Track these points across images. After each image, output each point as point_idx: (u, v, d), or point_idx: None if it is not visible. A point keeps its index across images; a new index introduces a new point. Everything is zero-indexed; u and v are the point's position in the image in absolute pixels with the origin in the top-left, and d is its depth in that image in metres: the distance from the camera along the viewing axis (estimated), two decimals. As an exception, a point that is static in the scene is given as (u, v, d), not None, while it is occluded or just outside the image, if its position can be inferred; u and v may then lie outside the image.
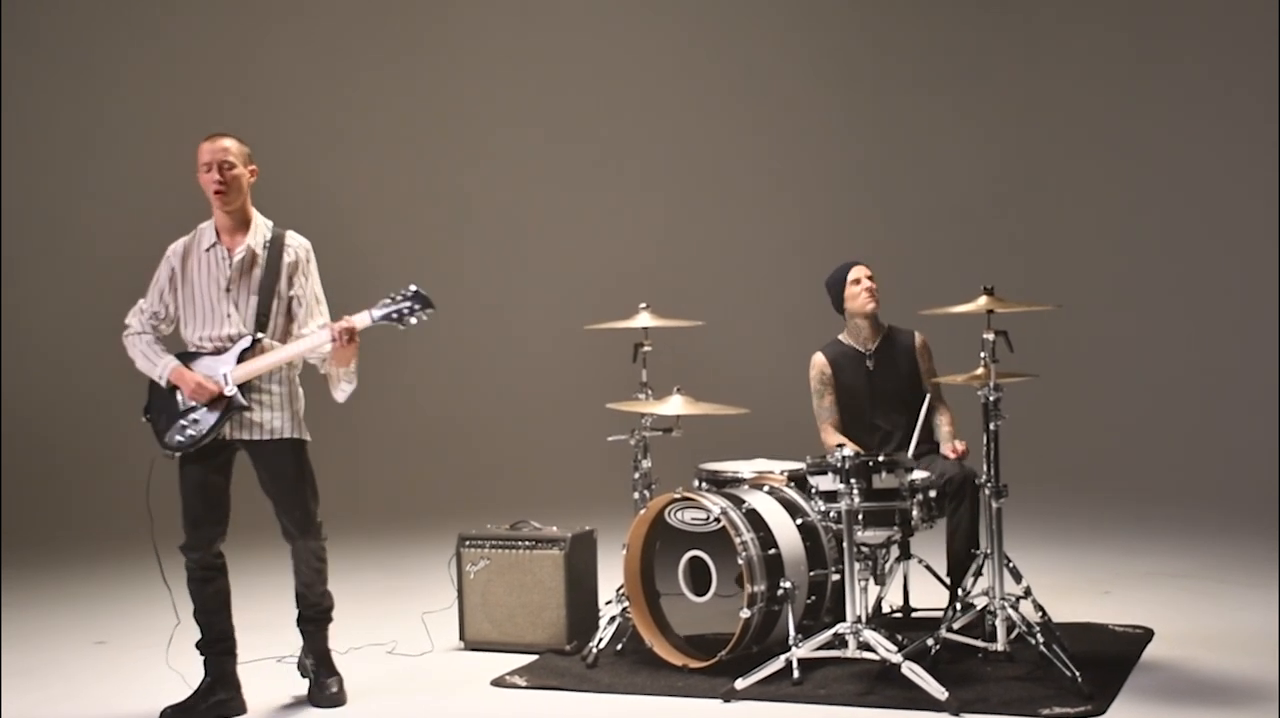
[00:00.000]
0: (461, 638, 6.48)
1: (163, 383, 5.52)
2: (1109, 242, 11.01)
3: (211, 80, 11.43)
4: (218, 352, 5.50)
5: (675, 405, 6.14)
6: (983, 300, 5.76)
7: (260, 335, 5.49)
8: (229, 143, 5.51)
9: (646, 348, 6.40)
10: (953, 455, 6.16)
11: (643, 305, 6.44)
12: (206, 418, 5.47)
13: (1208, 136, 10.76)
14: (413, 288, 5.47)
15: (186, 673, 5.74)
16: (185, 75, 11.42)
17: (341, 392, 5.60)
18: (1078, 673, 5.37)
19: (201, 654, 5.62)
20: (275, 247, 5.55)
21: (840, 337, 6.57)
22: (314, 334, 5.47)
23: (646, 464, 6.29)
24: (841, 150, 11.46)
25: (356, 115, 11.39)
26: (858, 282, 6.44)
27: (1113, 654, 5.95)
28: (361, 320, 5.44)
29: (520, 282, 11.55)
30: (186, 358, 5.53)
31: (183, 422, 5.48)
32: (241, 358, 5.47)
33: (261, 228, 5.59)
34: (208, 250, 5.56)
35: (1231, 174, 10.70)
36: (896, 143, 11.36)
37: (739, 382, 9.01)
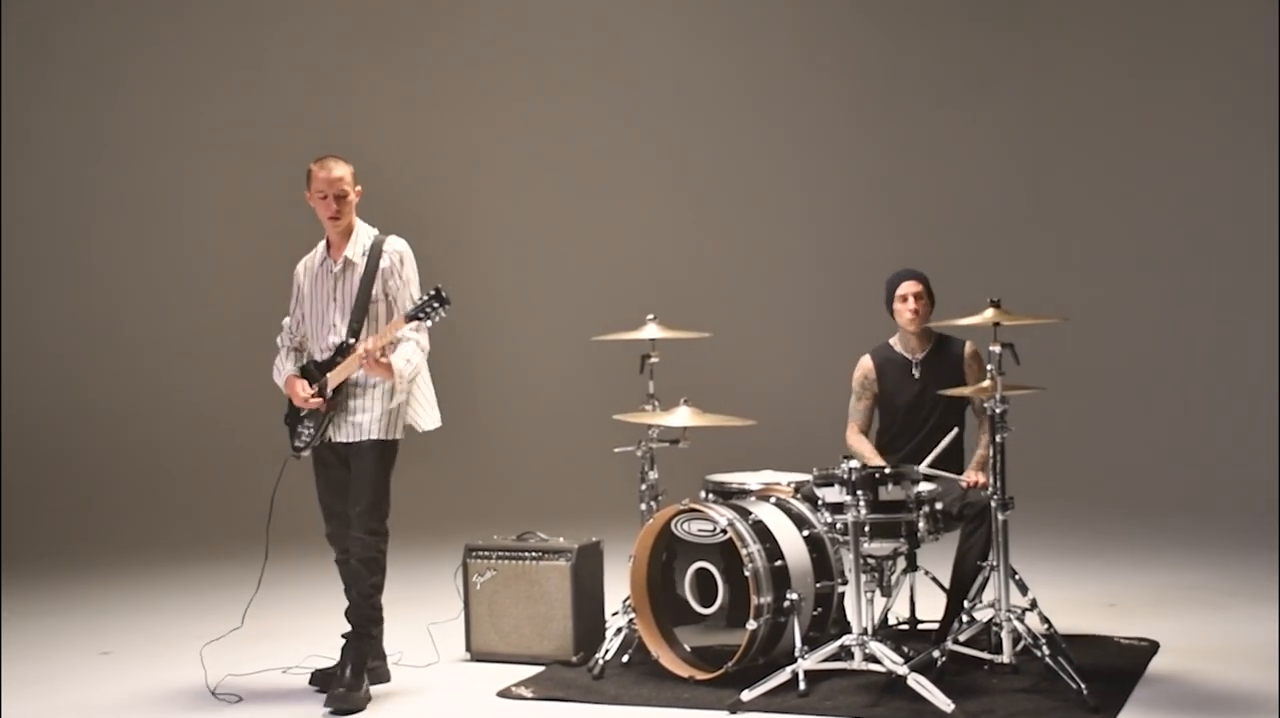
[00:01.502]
0: (467, 649, 6.47)
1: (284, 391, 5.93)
2: (1116, 255, 11.00)
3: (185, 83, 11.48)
4: (327, 359, 5.82)
5: (682, 417, 6.14)
6: (989, 313, 5.77)
7: (352, 340, 5.76)
8: (342, 171, 5.82)
9: (654, 359, 6.42)
10: (964, 486, 6.11)
11: (650, 317, 6.44)
12: (311, 424, 5.82)
13: (1217, 152, 10.75)
14: (434, 288, 5.67)
15: (210, 670, 5.96)
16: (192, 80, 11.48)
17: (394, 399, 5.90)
18: (1083, 685, 5.37)
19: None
20: (374, 253, 5.85)
21: (891, 341, 6.54)
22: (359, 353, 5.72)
23: (653, 475, 6.29)
24: (851, 162, 11.45)
25: (358, 119, 11.38)
26: (905, 299, 6.42)
27: (1118, 667, 5.95)
28: (397, 323, 5.71)
29: (527, 292, 11.55)
30: (317, 366, 5.86)
31: (299, 427, 5.90)
32: (333, 364, 5.79)
33: (363, 236, 5.90)
34: (320, 264, 5.92)
35: (1240, 190, 10.68)
36: (907, 155, 11.35)
37: (746, 393, 9.00)
